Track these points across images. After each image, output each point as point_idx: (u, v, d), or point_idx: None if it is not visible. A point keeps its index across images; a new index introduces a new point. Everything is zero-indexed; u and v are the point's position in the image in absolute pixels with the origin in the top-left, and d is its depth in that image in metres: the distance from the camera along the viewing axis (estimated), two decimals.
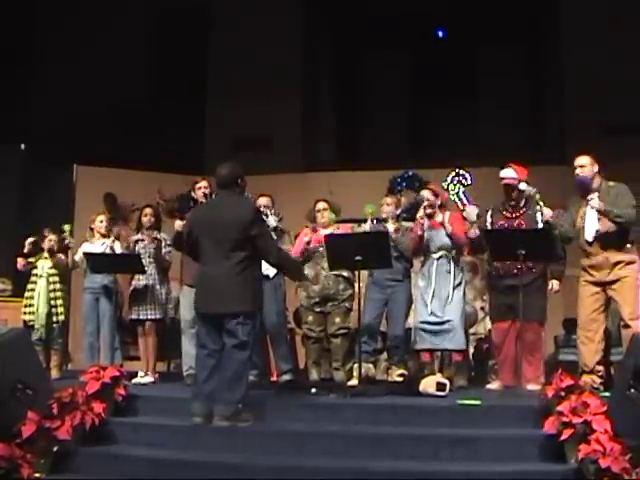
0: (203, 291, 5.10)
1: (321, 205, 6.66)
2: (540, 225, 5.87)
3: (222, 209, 5.10)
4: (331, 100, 12.35)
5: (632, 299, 5.55)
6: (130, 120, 10.74)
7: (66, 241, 7.21)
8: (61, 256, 7.26)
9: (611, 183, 5.71)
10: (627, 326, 5.51)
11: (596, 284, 5.63)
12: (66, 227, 7.25)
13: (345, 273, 6.52)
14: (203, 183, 6.51)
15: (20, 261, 7.30)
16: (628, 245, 5.69)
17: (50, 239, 7.28)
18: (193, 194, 6.56)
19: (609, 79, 10.00)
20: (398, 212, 6.59)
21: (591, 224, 5.64)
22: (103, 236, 7.20)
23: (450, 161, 10.48)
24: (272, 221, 6.26)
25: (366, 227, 6.36)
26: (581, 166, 5.71)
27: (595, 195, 5.59)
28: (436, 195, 6.36)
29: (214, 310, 4.97)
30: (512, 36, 11.86)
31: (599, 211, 5.55)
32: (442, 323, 6.09)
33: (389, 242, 5.90)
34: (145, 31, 11.69)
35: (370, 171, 10.59)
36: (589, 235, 5.64)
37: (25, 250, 7.28)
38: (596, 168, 5.70)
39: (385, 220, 6.51)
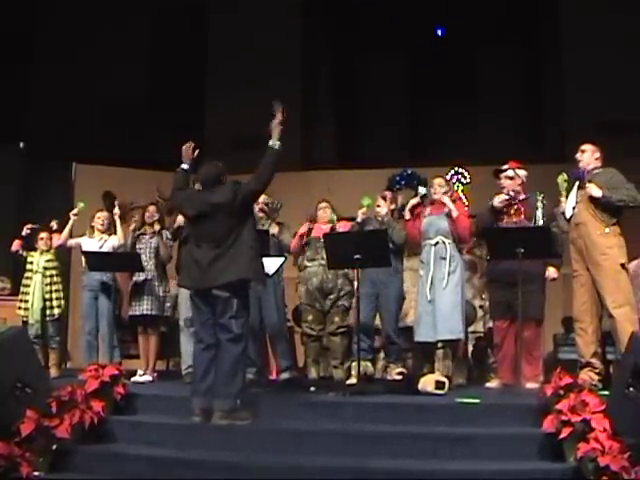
0: (192, 268, 5.09)
1: (324, 204, 6.81)
2: (539, 214, 5.88)
3: (209, 197, 5.13)
4: (330, 99, 12.35)
5: (613, 288, 5.50)
6: (129, 119, 10.74)
7: (73, 218, 7.25)
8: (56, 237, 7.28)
9: (599, 170, 5.74)
10: (611, 316, 5.48)
11: (582, 273, 5.63)
12: (81, 205, 7.37)
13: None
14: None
15: (16, 242, 7.33)
16: (607, 230, 5.59)
17: (42, 237, 7.30)
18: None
19: (608, 78, 10.00)
20: (393, 207, 6.63)
21: (571, 202, 5.70)
22: (102, 233, 7.22)
23: (449, 160, 10.47)
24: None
25: (357, 219, 6.44)
26: (582, 151, 5.79)
27: (592, 185, 5.57)
28: (447, 184, 6.50)
29: (207, 284, 4.95)
30: (512, 36, 11.87)
31: (598, 198, 5.54)
32: (437, 312, 6.06)
33: (388, 241, 5.91)
34: (144, 30, 11.68)
35: (369, 170, 10.58)
36: (568, 212, 5.68)
37: (23, 233, 7.30)
38: (597, 154, 5.77)
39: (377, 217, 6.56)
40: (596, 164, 5.76)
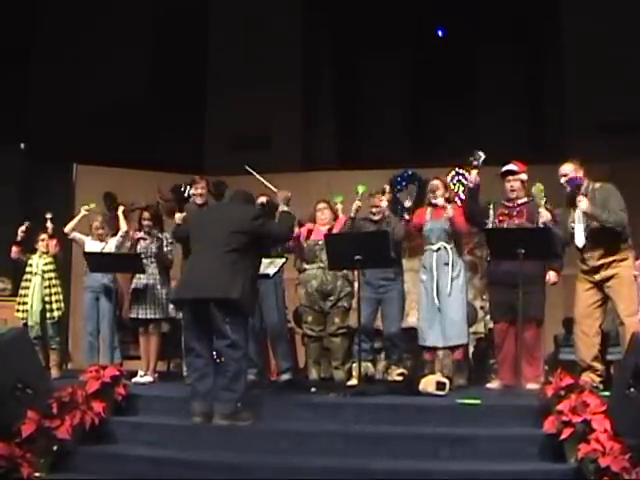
0: (187, 280, 5.11)
1: (322, 205, 6.77)
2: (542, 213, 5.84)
3: (226, 208, 5.25)
4: (331, 99, 12.35)
5: (626, 296, 5.52)
6: (130, 119, 10.73)
7: (83, 212, 7.34)
8: (53, 243, 7.30)
9: (597, 184, 5.68)
10: (622, 323, 5.50)
11: (591, 282, 5.62)
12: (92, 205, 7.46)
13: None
14: (202, 184, 6.58)
15: (14, 249, 7.32)
16: (621, 245, 5.57)
17: (42, 238, 7.31)
18: (191, 191, 6.58)
19: (609, 78, 10.01)
20: (385, 204, 6.58)
21: (580, 229, 5.63)
22: (102, 240, 7.25)
23: (450, 160, 10.46)
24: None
25: (351, 214, 6.44)
26: (564, 175, 5.70)
27: (584, 198, 5.53)
28: (445, 186, 6.43)
29: (197, 295, 4.92)
30: (512, 35, 11.87)
31: (587, 214, 5.52)
32: (443, 319, 6.10)
33: (389, 242, 5.91)
34: (145, 30, 11.68)
35: (370, 170, 10.57)
36: (579, 241, 5.64)
37: (18, 238, 7.30)
38: (580, 173, 5.69)
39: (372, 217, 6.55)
40: (583, 180, 5.67)
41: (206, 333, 4.99)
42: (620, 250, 5.56)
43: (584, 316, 5.66)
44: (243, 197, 5.39)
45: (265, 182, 5.88)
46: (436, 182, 6.46)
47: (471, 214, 6.22)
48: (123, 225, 7.19)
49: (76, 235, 7.35)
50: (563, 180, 5.71)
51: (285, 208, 5.53)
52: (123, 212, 7.30)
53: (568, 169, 5.70)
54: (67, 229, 7.32)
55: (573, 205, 5.68)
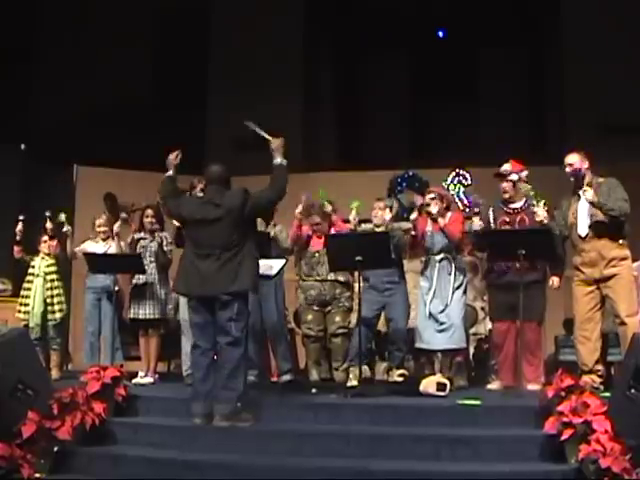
0: (192, 275, 5.07)
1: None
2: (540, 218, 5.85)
3: (215, 201, 5.12)
4: (331, 100, 12.35)
5: (627, 296, 5.53)
6: (130, 120, 10.73)
7: (65, 229, 7.25)
8: (53, 244, 7.30)
9: (601, 179, 5.70)
10: (623, 323, 5.49)
11: (589, 283, 5.62)
12: (62, 216, 7.29)
13: (341, 278, 6.60)
14: (200, 187, 6.58)
15: (16, 249, 7.33)
16: (620, 241, 5.60)
17: (44, 240, 7.30)
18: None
19: (609, 80, 10.01)
20: (389, 217, 6.51)
21: (583, 219, 5.64)
22: (104, 240, 7.25)
23: (450, 161, 10.47)
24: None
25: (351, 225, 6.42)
26: (570, 164, 5.74)
27: (589, 189, 5.56)
28: (442, 198, 6.37)
29: (207, 293, 4.94)
30: (513, 37, 11.87)
31: (592, 203, 5.53)
32: (442, 324, 6.12)
33: (390, 242, 5.90)
34: (146, 31, 11.69)
35: (371, 171, 10.58)
36: (582, 230, 5.64)
37: (17, 238, 7.31)
38: (586, 164, 5.72)
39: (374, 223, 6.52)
40: (588, 172, 5.71)
41: (211, 330, 5.00)
42: (619, 245, 5.57)
43: (585, 321, 5.64)
44: (221, 177, 5.26)
45: (260, 132, 5.74)
46: (430, 195, 6.36)
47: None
48: (115, 246, 7.13)
49: (79, 254, 7.34)
50: (568, 170, 5.74)
51: (279, 160, 5.18)
52: (117, 234, 7.19)
53: (573, 159, 5.73)
54: (69, 256, 7.35)
55: (576, 195, 5.70)
